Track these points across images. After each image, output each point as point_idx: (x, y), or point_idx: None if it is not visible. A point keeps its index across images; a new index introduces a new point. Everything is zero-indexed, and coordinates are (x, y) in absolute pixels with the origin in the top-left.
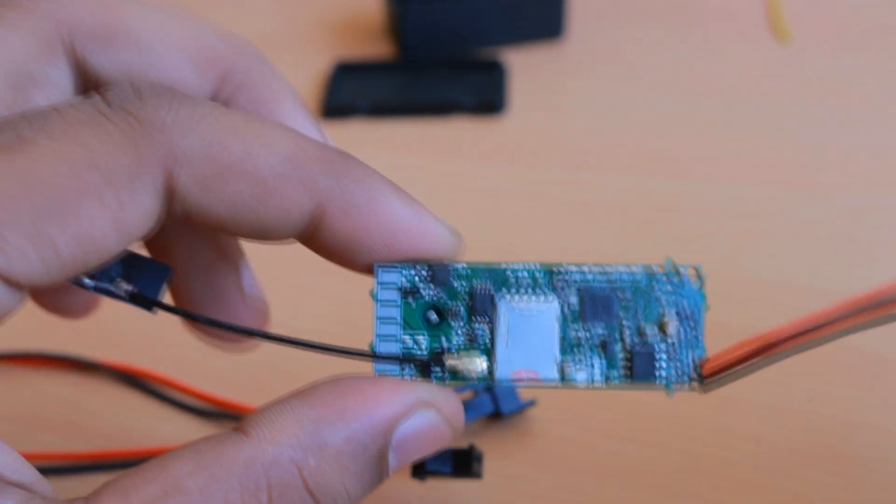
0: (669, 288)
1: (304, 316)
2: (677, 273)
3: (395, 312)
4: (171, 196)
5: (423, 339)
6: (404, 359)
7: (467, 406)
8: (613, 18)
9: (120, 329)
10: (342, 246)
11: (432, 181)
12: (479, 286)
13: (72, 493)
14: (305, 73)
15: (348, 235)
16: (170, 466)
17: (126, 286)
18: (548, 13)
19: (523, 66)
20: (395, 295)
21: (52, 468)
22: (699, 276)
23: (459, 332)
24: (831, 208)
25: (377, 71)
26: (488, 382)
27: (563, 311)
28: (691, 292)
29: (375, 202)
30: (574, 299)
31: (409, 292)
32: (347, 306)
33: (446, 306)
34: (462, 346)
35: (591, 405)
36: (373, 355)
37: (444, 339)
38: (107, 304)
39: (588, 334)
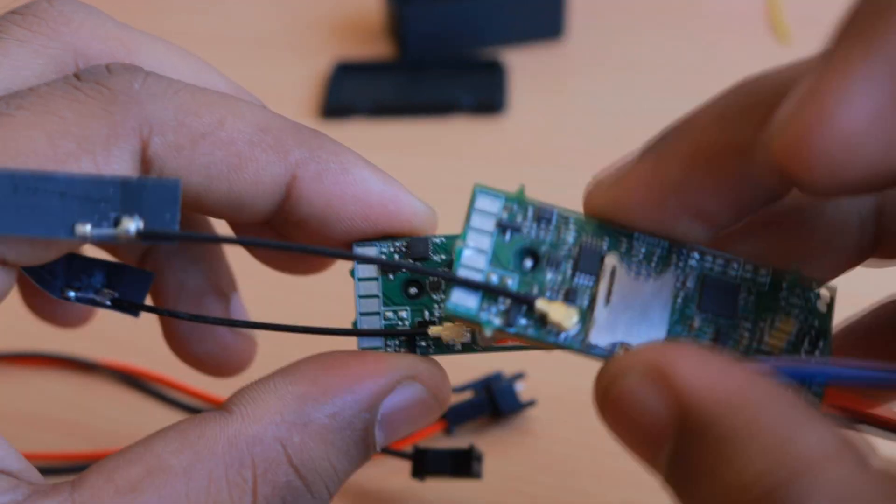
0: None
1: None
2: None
3: (376, 288)
4: (146, 165)
5: (405, 313)
6: (387, 333)
7: (467, 406)
8: (613, 18)
9: (120, 329)
10: (316, 216)
11: (432, 181)
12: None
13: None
14: (305, 73)
15: (323, 203)
16: (154, 447)
17: (109, 293)
18: (548, 13)
19: (523, 66)
20: (373, 271)
21: (52, 468)
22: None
23: (439, 304)
24: None
25: (377, 71)
26: (472, 349)
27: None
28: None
29: (349, 172)
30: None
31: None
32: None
33: (426, 280)
34: (443, 319)
35: (591, 405)
36: (356, 332)
37: (426, 311)
38: None
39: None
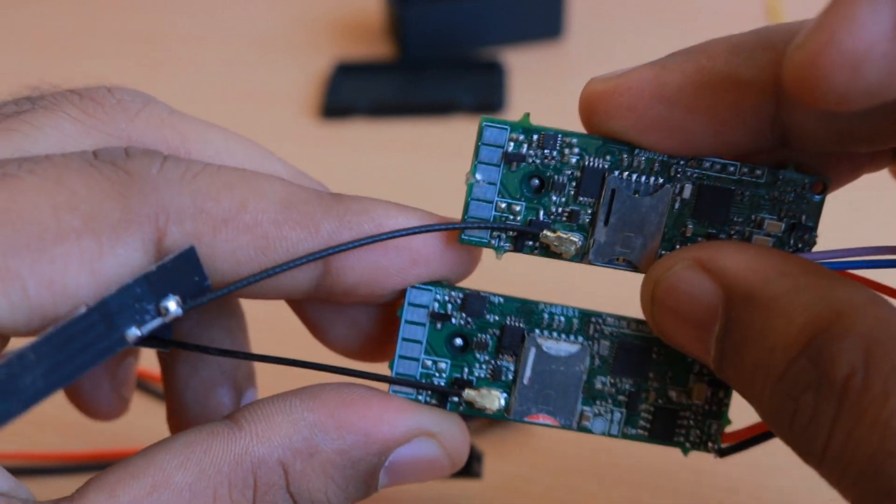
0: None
1: None
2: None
3: (421, 334)
4: (161, 253)
5: (444, 366)
6: (421, 385)
7: None
8: (613, 18)
9: None
10: (365, 281)
11: (432, 181)
12: (511, 321)
13: (71, 493)
14: (305, 73)
15: (370, 267)
16: (158, 461)
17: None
18: (547, 13)
19: (523, 66)
20: (423, 317)
21: (52, 468)
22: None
23: (483, 364)
24: None
25: (377, 71)
26: (503, 417)
27: (592, 361)
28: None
29: (384, 226)
30: (606, 350)
31: (438, 316)
32: None
33: (474, 336)
34: (483, 380)
35: None
36: (389, 379)
37: (466, 369)
38: None
39: (614, 388)
